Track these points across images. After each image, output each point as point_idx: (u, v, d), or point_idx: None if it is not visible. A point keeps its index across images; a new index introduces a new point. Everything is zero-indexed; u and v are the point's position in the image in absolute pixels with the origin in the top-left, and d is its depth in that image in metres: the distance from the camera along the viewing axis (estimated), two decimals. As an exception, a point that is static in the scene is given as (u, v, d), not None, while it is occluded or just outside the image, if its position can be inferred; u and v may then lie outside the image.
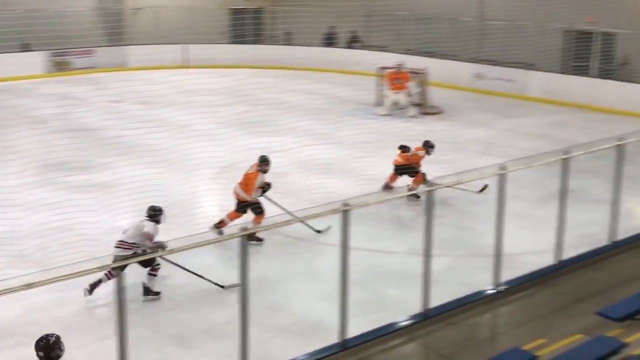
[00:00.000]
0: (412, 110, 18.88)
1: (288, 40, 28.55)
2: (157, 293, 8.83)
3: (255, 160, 10.86)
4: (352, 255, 7.42)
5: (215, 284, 8.78)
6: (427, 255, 8.01)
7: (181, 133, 16.23)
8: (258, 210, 10.41)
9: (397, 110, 18.99)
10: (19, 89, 21.88)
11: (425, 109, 19.18)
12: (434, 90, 20.17)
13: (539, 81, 21.50)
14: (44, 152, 13.76)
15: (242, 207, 10.53)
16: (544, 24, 22.11)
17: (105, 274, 8.45)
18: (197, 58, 25.93)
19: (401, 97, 18.97)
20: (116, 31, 26.30)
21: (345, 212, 7.12)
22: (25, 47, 24.29)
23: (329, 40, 27.15)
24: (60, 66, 24.57)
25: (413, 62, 21.48)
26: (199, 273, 8.73)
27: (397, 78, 19.04)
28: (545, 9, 22.42)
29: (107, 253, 8.71)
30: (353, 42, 27.02)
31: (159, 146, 15.02)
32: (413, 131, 16.96)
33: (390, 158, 12.91)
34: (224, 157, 13.87)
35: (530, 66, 22.23)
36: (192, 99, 16.98)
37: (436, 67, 21.46)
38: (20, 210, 10.92)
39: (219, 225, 10.44)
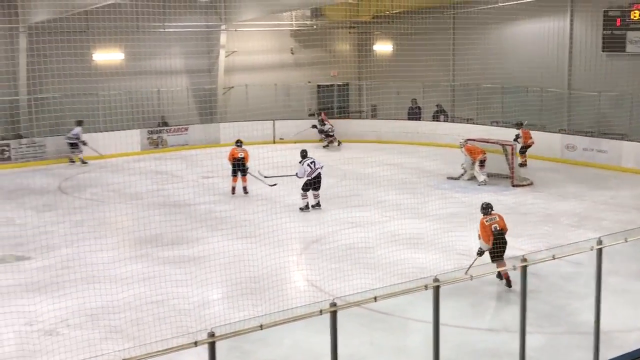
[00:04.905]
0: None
1: (373, 114, 28.95)
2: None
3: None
4: (442, 331, 7.28)
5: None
6: (523, 332, 7.76)
7: (270, 207, 16.49)
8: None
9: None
10: (115, 166, 22.77)
11: (515, 180, 18.93)
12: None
13: (633, 152, 20.93)
14: (139, 227, 14.23)
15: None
16: (638, 93, 21.71)
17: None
18: (285, 133, 26.48)
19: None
20: (208, 110, 27.27)
21: (436, 287, 7.02)
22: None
23: (412, 114, 27.34)
24: (155, 143, 25.51)
25: (500, 133, 21.43)
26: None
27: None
28: (636, 79, 22.10)
29: (200, 327, 8.81)
30: (438, 115, 27.11)
31: (249, 220, 15.29)
32: (503, 204, 16.74)
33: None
34: (311, 231, 13.97)
35: (623, 136, 21.75)
36: (280, 173, 17.28)
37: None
38: (116, 285, 11.22)
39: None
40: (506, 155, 19.36)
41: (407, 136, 25.73)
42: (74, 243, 13.38)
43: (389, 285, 7.39)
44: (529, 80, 24.48)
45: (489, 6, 24.16)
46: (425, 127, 25.99)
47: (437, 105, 27.22)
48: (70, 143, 23.28)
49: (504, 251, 11.20)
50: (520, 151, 21.15)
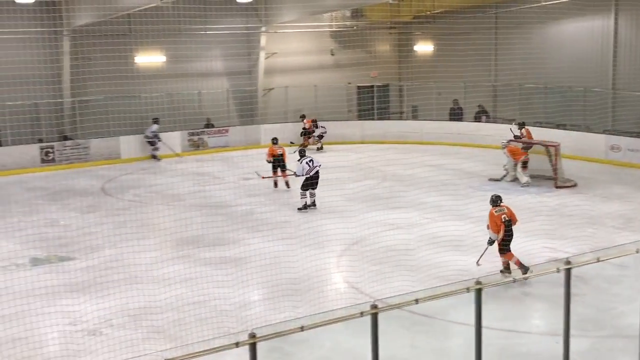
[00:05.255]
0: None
1: (414, 115, 28.81)
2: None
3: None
4: (484, 334, 7.18)
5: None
6: (566, 336, 7.63)
7: (310, 208, 16.48)
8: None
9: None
10: (157, 167, 23.01)
11: (558, 182, 18.66)
12: (567, 162, 19.63)
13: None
14: (180, 228, 14.35)
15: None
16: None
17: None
18: (326, 135, 26.50)
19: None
20: (248, 112, 27.42)
21: (478, 290, 6.93)
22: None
23: (454, 114, 27.12)
24: (196, 145, 25.73)
25: (544, 134, 21.14)
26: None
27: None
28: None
29: (241, 328, 8.84)
30: (480, 115, 26.85)
31: (289, 222, 15.32)
32: (546, 205, 16.55)
33: (524, 233, 12.57)
34: (352, 232, 13.93)
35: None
36: (320, 175, 17.29)
37: (568, 139, 20.99)
38: (158, 285, 11.32)
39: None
40: (549, 156, 19.10)
41: (448, 137, 25.55)
42: (116, 244, 13.56)
43: (430, 288, 7.35)
44: (572, 80, 24.12)
45: (532, 5, 23.88)
46: (466, 127, 25.79)
47: (478, 106, 26.97)
48: (149, 141, 24.18)
49: (510, 241, 11.54)
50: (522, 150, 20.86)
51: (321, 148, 25.37)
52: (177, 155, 24.53)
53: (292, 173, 18.32)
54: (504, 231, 11.49)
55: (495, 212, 11.67)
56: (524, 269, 11.31)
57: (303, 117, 26.20)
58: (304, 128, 25.79)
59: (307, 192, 16.69)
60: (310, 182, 16.68)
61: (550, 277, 7.65)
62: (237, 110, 27.81)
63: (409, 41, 30.91)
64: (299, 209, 16.54)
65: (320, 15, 28.41)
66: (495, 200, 11.85)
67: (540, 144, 19.48)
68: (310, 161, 16.85)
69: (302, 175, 16.76)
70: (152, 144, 24.25)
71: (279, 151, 18.98)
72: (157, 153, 24.29)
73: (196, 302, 10.67)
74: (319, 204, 16.63)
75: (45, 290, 10.93)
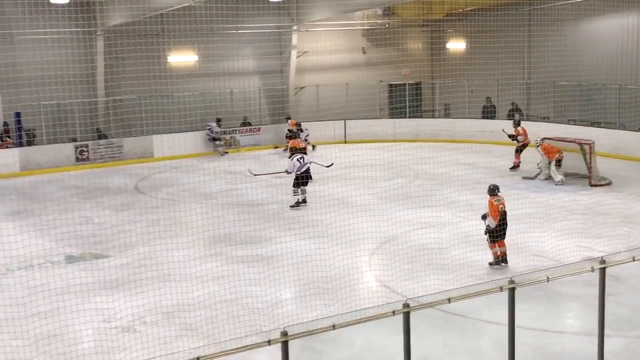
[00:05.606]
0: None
1: (446, 113, 28.67)
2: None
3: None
4: (517, 334, 7.12)
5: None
6: (601, 336, 7.53)
7: (341, 207, 16.48)
8: None
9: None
10: (189, 166, 23.17)
11: (593, 180, 18.43)
12: (602, 160, 19.38)
13: None
14: (212, 226, 14.42)
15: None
16: None
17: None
18: (356, 133, 26.48)
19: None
20: (280, 111, 27.49)
21: (511, 289, 6.88)
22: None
23: (487, 112, 26.90)
24: (228, 144, 25.87)
25: (577, 132, 20.91)
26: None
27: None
28: None
29: (272, 326, 8.86)
30: (513, 113, 26.60)
31: (320, 220, 15.32)
32: (581, 204, 16.36)
33: (558, 231, 12.46)
34: (383, 231, 13.90)
35: None
36: (352, 174, 17.29)
37: (603, 137, 20.72)
38: (190, 283, 11.39)
39: None
40: (584, 154, 18.87)
41: (481, 135, 25.35)
42: (150, 242, 13.68)
43: (463, 287, 7.29)
44: (606, 77, 23.81)
45: (565, 2, 23.59)
46: (499, 125, 25.54)
47: (512, 104, 26.73)
48: (210, 138, 25.10)
49: (504, 231, 12.02)
50: (517, 150, 20.74)
51: (313, 147, 24.86)
52: (239, 150, 25.58)
53: (284, 170, 18.39)
54: (499, 221, 11.86)
55: (495, 201, 12.01)
56: (498, 262, 11.89)
57: (288, 118, 26.24)
58: (289, 130, 25.32)
59: (299, 190, 16.91)
60: (302, 179, 16.88)
61: (584, 276, 7.58)
62: (269, 109, 27.90)
63: (441, 39, 30.74)
64: (292, 206, 16.77)
65: (352, 14, 28.36)
66: (494, 190, 12.19)
67: (574, 141, 19.25)
68: (300, 158, 17.06)
69: (293, 172, 16.98)
70: (215, 139, 25.02)
71: (302, 144, 19.20)
72: (221, 149, 25.03)
73: (228, 300, 10.72)
74: (351, 202, 16.62)
75: (79, 288, 11.07)
